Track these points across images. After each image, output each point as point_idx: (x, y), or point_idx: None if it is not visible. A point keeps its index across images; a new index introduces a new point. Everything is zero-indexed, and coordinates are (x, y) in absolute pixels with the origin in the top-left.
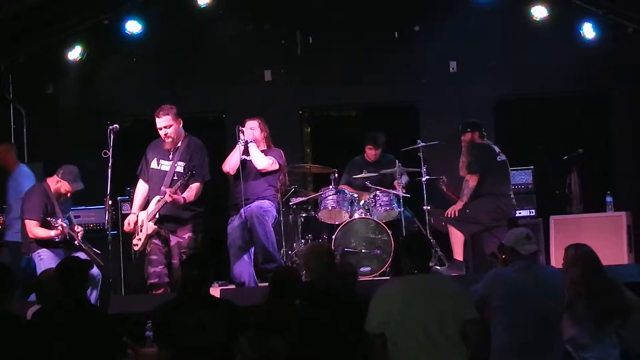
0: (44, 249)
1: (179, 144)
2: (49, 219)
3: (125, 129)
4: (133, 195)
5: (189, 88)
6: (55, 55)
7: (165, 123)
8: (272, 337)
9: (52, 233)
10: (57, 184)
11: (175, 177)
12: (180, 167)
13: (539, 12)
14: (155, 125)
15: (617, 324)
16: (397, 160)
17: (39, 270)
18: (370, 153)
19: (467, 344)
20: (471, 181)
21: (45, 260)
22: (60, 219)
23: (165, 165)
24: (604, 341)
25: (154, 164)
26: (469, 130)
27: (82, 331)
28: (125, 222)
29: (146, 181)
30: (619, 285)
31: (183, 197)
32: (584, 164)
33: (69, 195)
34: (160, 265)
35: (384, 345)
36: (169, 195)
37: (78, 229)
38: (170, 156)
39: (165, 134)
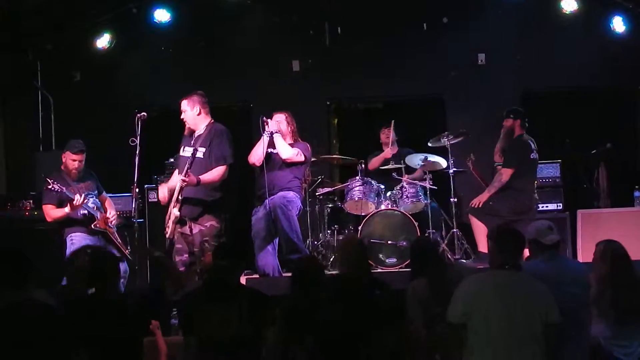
0: (77, 233)
1: (203, 131)
2: (65, 192)
3: (153, 118)
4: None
5: (216, 78)
6: (83, 43)
7: (182, 107)
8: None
9: (66, 209)
10: (63, 160)
11: (195, 165)
12: (200, 152)
13: (569, 5)
14: None
15: None
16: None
17: (68, 254)
18: (384, 136)
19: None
20: (505, 175)
21: (76, 244)
22: (76, 194)
23: (188, 151)
24: (631, 337)
25: (181, 151)
26: (511, 116)
27: (110, 320)
28: (160, 195)
29: (179, 169)
30: None
31: (197, 178)
32: (612, 158)
33: (77, 165)
34: (185, 254)
35: (463, 336)
36: (181, 180)
37: (111, 214)
38: (193, 142)
39: (182, 118)
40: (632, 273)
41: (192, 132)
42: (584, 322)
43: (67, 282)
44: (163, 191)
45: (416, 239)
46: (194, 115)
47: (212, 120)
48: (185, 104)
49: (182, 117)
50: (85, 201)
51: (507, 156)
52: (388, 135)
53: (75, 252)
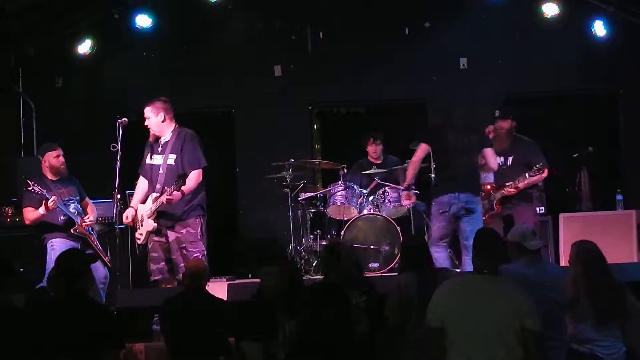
0: (57, 238)
1: (169, 137)
2: (45, 195)
3: (134, 123)
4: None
5: (198, 83)
6: (64, 49)
7: (147, 114)
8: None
9: (41, 210)
10: (46, 164)
11: (165, 172)
12: (171, 159)
13: (550, 10)
14: None
15: (620, 322)
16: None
17: (48, 260)
18: (372, 149)
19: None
20: (546, 174)
21: (56, 250)
22: (52, 196)
23: (157, 159)
24: (610, 335)
25: (148, 159)
26: (511, 117)
27: (78, 323)
28: (124, 215)
29: (145, 177)
30: (623, 285)
31: (181, 192)
32: (594, 162)
33: (62, 160)
34: (162, 261)
35: (441, 340)
36: (167, 199)
37: (88, 217)
38: (160, 149)
39: (146, 125)
40: (607, 272)
41: (158, 138)
42: (563, 327)
43: (46, 284)
44: (128, 214)
45: (409, 237)
46: (158, 122)
47: (177, 125)
48: (149, 111)
49: (146, 124)
50: (58, 202)
51: (542, 157)
52: (376, 150)
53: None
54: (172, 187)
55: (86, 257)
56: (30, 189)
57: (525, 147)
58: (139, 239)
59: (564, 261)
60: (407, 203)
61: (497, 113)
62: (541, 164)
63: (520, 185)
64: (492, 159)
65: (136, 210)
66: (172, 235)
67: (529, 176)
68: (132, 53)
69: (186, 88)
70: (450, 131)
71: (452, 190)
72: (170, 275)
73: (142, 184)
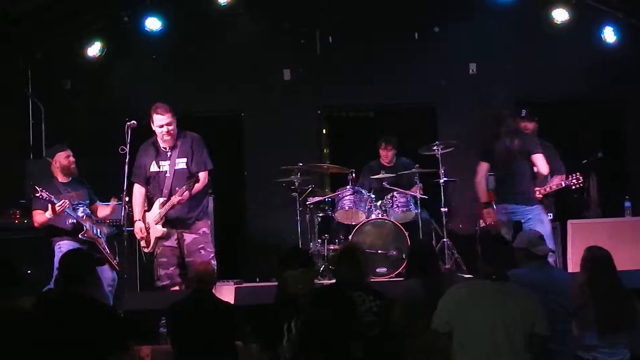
0: (65, 241)
1: (176, 141)
2: (54, 200)
3: (143, 126)
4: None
5: (207, 87)
6: (74, 51)
7: (168, 120)
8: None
9: (47, 214)
10: (57, 165)
11: (173, 176)
12: (182, 164)
13: (560, 15)
14: (153, 122)
15: (627, 329)
16: (416, 164)
17: (55, 262)
18: (383, 153)
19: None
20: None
21: (64, 251)
22: (61, 200)
23: (164, 165)
24: (616, 342)
25: (153, 167)
26: (536, 119)
27: (83, 324)
28: (137, 230)
29: (142, 185)
30: (631, 293)
31: (190, 193)
32: (603, 168)
33: (72, 159)
34: (171, 267)
35: (447, 345)
36: (178, 200)
37: (97, 225)
38: (169, 154)
39: (168, 131)
40: (615, 279)
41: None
42: (570, 332)
43: (53, 286)
44: (141, 228)
45: (416, 242)
46: (175, 126)
47: (179, 129)
48: (170, 116)
49: (168, 130)
50: (66, 206)
51: (561, 163)
52: (387, 155)
53: None
54: (184, 187)
55: (90, 257)
56: (38, 195)
57: (547, 152)
58: (146, 248)
59: (572, 267)
60: (488, 220)
61: (522, 112)
62: (578, 173)
63: (549, 190)
64: (543, 164)
65: (144, 221)
66: (188, 237)
67: (565, 184)
68: (142, 56)
69: (195, 92)
70: (499, 141)
71: (499, 202)
72: (181, 280)
73: (139, 192)
